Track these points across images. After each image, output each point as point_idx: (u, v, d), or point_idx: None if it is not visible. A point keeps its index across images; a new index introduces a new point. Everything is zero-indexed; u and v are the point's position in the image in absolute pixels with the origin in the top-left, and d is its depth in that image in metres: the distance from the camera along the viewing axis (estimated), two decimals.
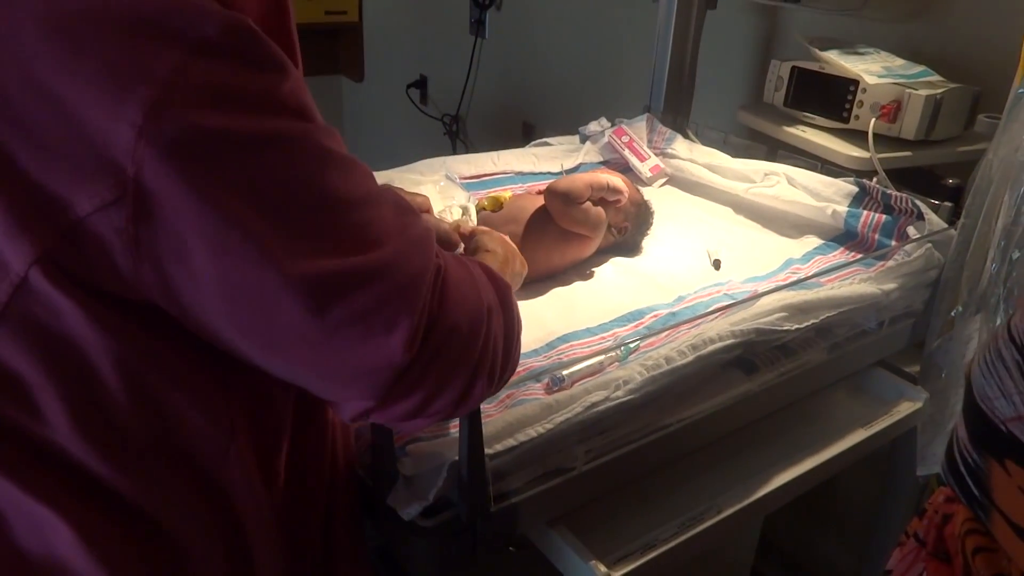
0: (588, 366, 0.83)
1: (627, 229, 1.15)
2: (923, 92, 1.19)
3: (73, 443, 0.53)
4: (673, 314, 0.98)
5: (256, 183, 0.48)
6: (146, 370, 0.53)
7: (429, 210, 0.97)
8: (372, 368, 0.53)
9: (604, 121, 1.54)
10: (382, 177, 1.24)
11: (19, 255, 0.47)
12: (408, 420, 0.59)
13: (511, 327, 0.64)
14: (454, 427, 0.74)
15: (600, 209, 1.08)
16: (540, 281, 1.06)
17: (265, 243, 0.48)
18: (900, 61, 1.29)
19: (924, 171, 1.26)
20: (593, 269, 1.11)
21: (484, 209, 1.06)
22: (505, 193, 1.01)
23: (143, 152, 0.44)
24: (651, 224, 1.20)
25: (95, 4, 0.46)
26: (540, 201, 1.08)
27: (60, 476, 0.53)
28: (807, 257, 1.16)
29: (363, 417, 0.58)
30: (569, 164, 1.45)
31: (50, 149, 0.46)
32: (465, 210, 1.05)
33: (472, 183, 1.34)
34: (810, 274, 1.07)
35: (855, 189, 1.19)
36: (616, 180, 1.09)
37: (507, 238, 0.96)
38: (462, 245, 0.93)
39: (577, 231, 1.06)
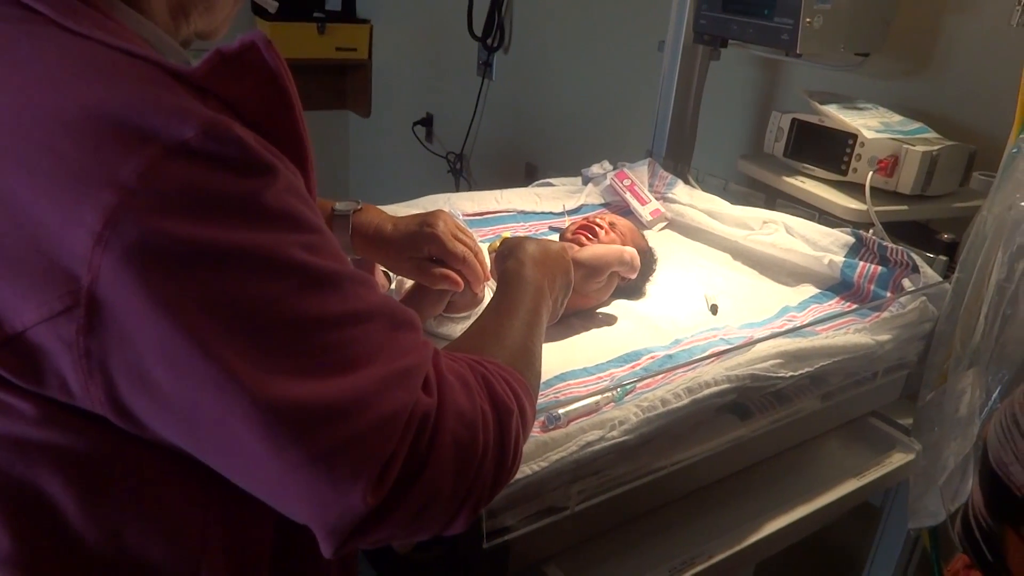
0: (584, 405, 0.83)
1: (631, 277, 1.16)
2: (920, 148, 1.22)
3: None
4: (670, 356, 0.99)
5: (224, 298, 0.43)
6: (101, 484, 0.49)
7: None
8: (331, 511, 0.47)
9: (607, 164, 1.56)
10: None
11: None
12: (384, 544, 0.53)
13: (507, 440, 0.57)
14: None
15: (615, 281, 1.09)
16: None
17: (229, 365, 0.43)
18: (898, 117, 1.32)
19: (920, 225, 1.28)
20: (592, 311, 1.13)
21: (495, 251, 1.07)
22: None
23: (99, 260, 0.41)
24: (654, 271, 1.22)
25: (65, 103, 0.42)
26: None
27: None
28: (803, 305, 1.17)
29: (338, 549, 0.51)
30: (571, 205, 1.47)
31: None
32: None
33: (475, 220, 1.36)
34: (806, 322, 1.08)
35: (852, 240, 1.21)
36: (637, 260, 1.07)
37: None
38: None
39: (588, 296, 1.08)
